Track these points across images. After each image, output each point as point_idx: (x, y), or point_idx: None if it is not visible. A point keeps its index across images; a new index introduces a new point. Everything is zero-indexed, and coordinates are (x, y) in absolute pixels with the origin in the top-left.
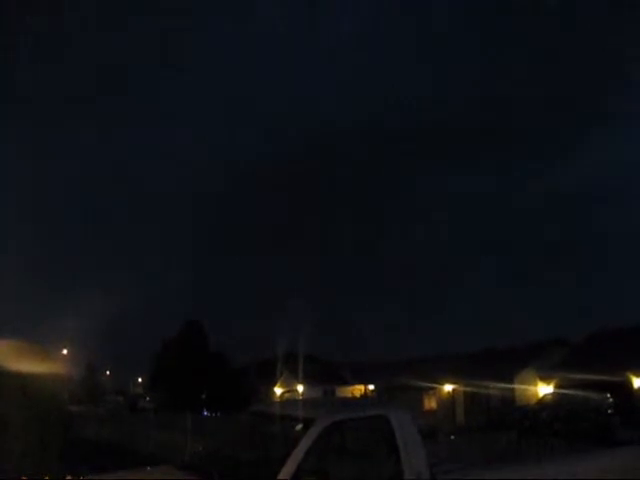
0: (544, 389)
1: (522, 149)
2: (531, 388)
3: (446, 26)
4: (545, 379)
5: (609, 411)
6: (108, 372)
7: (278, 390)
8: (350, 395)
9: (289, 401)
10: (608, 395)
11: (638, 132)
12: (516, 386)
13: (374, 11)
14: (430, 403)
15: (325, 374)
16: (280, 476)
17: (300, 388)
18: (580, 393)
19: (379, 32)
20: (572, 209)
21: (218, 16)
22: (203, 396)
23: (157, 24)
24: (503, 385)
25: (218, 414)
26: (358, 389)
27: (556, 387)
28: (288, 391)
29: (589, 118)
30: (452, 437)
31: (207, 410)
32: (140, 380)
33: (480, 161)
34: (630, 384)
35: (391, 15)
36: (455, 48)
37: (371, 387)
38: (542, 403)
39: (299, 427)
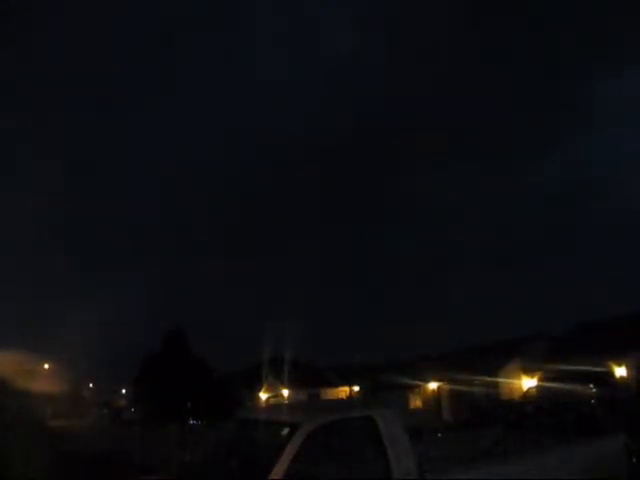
0: (528, 382)
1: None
2: (515, 382)
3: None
4: (529, 372)
5: (592, 401)
6: (91, 385)
7: (263, 395)
8: (335, 397)
9: (274, 406)
10: (591, 386)
11: None
12: (501, 380)
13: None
14: (415, 402)
15: (309, 377)
16: None
17: (285, 392)
18: (563, 385)
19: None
20: (555, 204)
21: None
22: (188, 405)
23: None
24: (488, 380)
25: (204, 422)
26: (343, 391)
27: (540, 380)
28: (273, 396)
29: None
30: (439, 435)
31: (193, 419)
32: (124, 391)
33: (471, 152)
34: (612, 374)
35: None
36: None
37: (356, 388)
38: (526, 397)
39: (285, 432)
